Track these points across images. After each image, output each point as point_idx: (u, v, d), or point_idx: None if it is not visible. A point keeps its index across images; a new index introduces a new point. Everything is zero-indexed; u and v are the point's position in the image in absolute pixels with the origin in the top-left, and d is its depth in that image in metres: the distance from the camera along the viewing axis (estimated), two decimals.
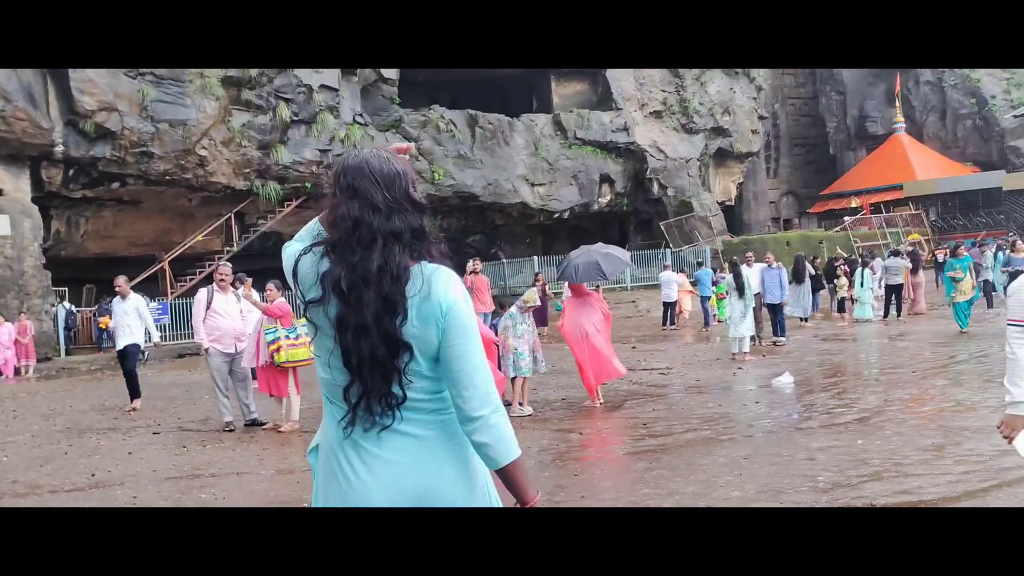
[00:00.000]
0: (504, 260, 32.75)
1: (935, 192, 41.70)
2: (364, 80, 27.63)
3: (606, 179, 34.85)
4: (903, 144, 45.66)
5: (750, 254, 16.31)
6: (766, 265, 16.08)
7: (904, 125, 46.53)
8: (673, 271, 22.23)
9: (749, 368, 13.11)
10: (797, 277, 18.56)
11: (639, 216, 37.38)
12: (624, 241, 36.05)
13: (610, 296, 29.29)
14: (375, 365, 2.04)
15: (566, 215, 33.78)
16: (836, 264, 22.00)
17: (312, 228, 2.30)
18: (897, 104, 46.91)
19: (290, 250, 2.23)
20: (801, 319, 19.65)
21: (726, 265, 23.01)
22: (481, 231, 34.32)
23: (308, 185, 26.10)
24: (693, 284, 22.57)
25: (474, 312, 2.17)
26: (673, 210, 35.74)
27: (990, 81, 46.03)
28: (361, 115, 27.38)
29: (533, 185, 32.47)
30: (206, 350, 9.30)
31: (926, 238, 37.23)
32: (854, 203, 43.56)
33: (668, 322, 21.38)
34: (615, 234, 37.58)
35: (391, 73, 28.38)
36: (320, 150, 26.02)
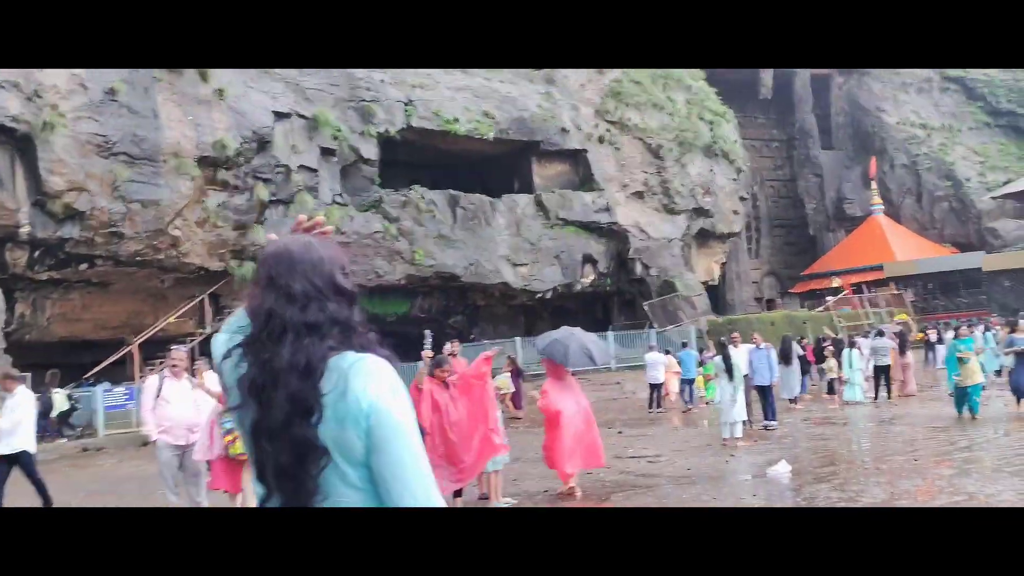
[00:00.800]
0: (484, 340, 32.08)
1: (915, 272, 41.77)
2: (344, 160, 27.38)
3: (589, 259, 34.54)
4: (881, 225, 45.99)
5: (736, 334, 15.80)
6: (754, 346, 15.53)
7: (882, 207, 46.96)
8: (659, 351, 21.61)
9: (742, 455, 12.44)
10: (785, 358, 18.03)
11: (622, 296, 36.99)
12: (608, 321, 35.60)
13: (595, 377, 28.74)
14: (288, 476, 1.77)
15: (549, 295, 33.32)
16: (824, 344, 21.53)
17: (239, 317, 2.02)
18: (873, 186, 47.42)
19: (217, 344, 2.02)
20: (790, 401, 19.08)
21: (710, 345, 22.53)
22: (462, 312, 33.74)
23: None
24: (678, 364, 21.99)
25: (409, 407, 1.79)
26: (656, 290, 35.40)
27: (964, 164, 46.75)
28: (341, 195, 27.05)
29: (515, 265, 32.09)
30: (154, 441, 8.54)
31: (911, 318, 36.97)
32: (835, 283, 43.54)
33: (654, 404, 20.72)
34: (598, 314, 37.15)
35: (371, 153, 28.19)
36: None
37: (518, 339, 29.29)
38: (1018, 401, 14.75)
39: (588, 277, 34.93)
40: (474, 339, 32.68)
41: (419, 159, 32.18)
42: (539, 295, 32.97)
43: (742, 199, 42.39)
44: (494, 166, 35.02)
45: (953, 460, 10.71)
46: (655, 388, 20.82)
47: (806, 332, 30.74)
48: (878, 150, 48.35)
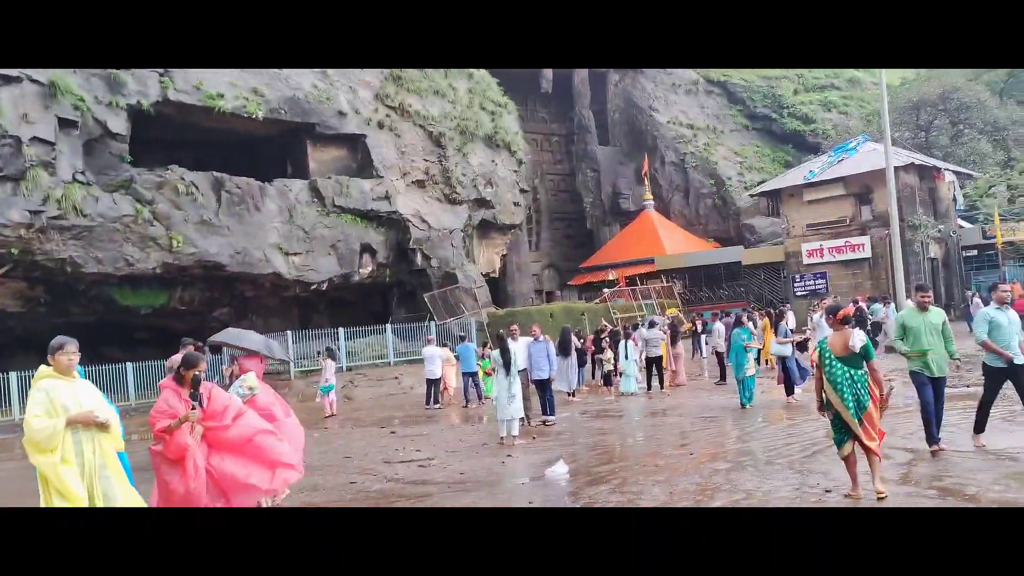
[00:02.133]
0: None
1: (683, 266, 43.69)
2: (88, 134, 24.44)
3: (367, 249, 33.21)
4: (653, 220, 47.82)
5: (515, 327, 15.23)
6: (532, 338, 15.00)
7: (653, 203, 48.85)
8: (436, 345, 20.77)
9: (519, 454, 11.78)
10: (564, 350, 17.75)
11: (403, 288, 35.96)
12: (387, 314, 34.45)
13: (372, 372, 27.58)
14: None
15: (324, 286, 31.67)
16: (602, 336, 21.58)
17: None
18: (646, 183, 49.26)
19: None
20: (568, 393, 18.88)
21: (491, 337, 22.00)
22: (229, 303, 31.37)
23: (14, 251, 22.41)
24: (456, 358, 21.26)
25: None
26: (437, 282, 34.65)
27: (726, 164, 49.51)
28: (83, 173, 24.10)
29: (288, 254, 30.21)
30: None
31: (679, 309, 38.47)
32: (611, 276, 44.76)
33: (432, 400, 19.85)
34: (377, 306, 35.91)
35: (120, 127, 25.38)
36: (31, 211, 22.45)
37: (289, 333, 27.48)
38: (788, 392, 15.13)
39: (367, 268, 33.59)
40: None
41: (179, 137, 29.53)
42: (314, 286, 31.26)
43: (523, 191, 42.57)
44: (265, 148, 32.85)
45: (727, 454, 10.54)
46: (432, 383, 19.96)
47: (584, 324, 31.12)
48: (651, 148, 50.27)
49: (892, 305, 24.51)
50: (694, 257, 44.01)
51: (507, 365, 13.12)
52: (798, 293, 35.36)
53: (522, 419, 13.85)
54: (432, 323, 31.47)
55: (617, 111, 52.57)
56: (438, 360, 19.84)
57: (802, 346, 16.03)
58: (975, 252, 37.39)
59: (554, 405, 15.11)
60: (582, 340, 21.78)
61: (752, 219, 46.60)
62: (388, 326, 30.64)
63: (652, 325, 20.55)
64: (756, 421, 13.25)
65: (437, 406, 19.71)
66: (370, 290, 35.15)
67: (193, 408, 6.67)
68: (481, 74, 40.19)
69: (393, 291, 36.18)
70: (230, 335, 9.34)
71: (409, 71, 35.97)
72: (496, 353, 13.45)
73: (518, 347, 14.23)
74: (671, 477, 9.18)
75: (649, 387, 19.70)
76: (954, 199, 35.50)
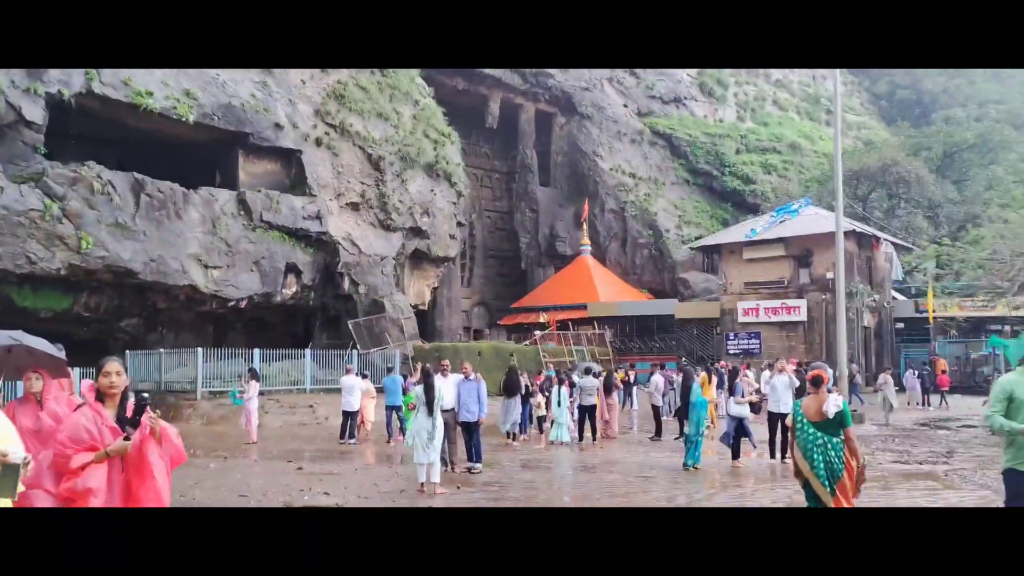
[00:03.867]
0: (162, 349, 27.97)
1: (616, 314, 42.99)
2: None
3: (293, 269, 31.58)
4: (588, 266, 47.22)
5: (445, 362, 13.98)
6: (463, 376, 13.73)
7: (590, 248, 48.30)
8: (357, 375, 19.31)
9: (437, 502, 10.47)
10: (509, 390, 16.55)
11: (327, 313, 34.34)
12: (308, 338, 32.77)
13: (285, 399, 25.87)
14: None
15: (243, 304, 29.89)
16: (536, 379, 20.49)
17: None
18: (584, 228, 48.72)
19: None
20: (511, 435, 17.73)
21: (416, 371, 20.65)
22: (139, 314, 29.31)
23: None
24: (379, 391, 19.85)
25: None
26: (364, 309, 33.16)
27: (665, 216, 49.36)
28: None
29: (207, 267, 28.44)
30: None
31: (607, 358, 37.65)
32: (542, 318, 43.86)
33: (347, 435, 18.34)
34: (298, 330, 34.22)
35: (36, 116, 23.53)
36: None
37: (200, 350, 25.65)
38: (735, 456, 14.16)
39: (291, 288, 31.94)
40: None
41: (101, 133, 27.72)
42: (232, 303, 29.47)
43: (460, 224, 41.49)
44: (193, 154, 31.12)
45: None
46: (349, 416, 18.48)
47: (514, 364, 29.94)
48: (591, 193, 49.81)
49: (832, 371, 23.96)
50: (628, 307, 43.38)
51: (430, 403, 11.82)
52: (731, 351, 34.86)
53: (445, 462, 12.58)
54: (355, 352, 29.94)
55: (561, 153, 52.08)
56: (358, 391, 18.39)
57: (754, 408, 15.10)
58: (903, 324, 37.62)
59: (481, 451, 13.83)
60: (531, 381, 20.69)
61: (687, 273, 46.31)
62: (307, 351, 29.01)
63: (588, 372, 19.51)
64: (703, 485, 12.23)
65: (352, 441, 18.23)
66: (292, 312, 33.45)
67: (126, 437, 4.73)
68: (427, 102, 39.23)
69: (316, 315, 34.53)
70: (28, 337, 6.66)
71: (352, 90, 34.76)
72: (419, 388, 12.16)
73: (447, 385, 12.96)
74: None
75: (581, 437, 18.59)
76: (891, 270, 35.63)
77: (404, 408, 18.90)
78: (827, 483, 6.82)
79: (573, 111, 51.15)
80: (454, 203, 39.85)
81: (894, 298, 37.41)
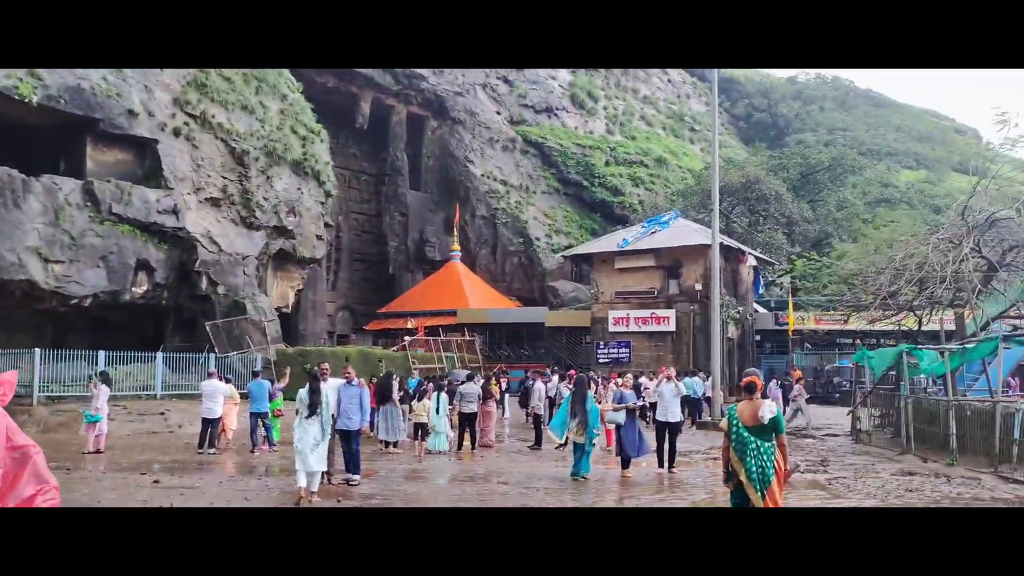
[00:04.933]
0: None
1: (485, 321, 42.48)
2: None
3: (144, 266, 29.39)
4: (458, 272, 46.57)
5: (325, 365, 12.90)
6: (344, 381, 12.69)
7: (460, 254, 47.68)
8: (219, 379, 17.83)
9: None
10: (383, 397, 15.58)
11: (181, 313, 32.19)
12: (160, 340, 30.57)
13: (133, 405, 23.84)
14: None
15: (88, 303, 27.56)
16: (424, 387, 19.56)
17: None
18: (455, 233, 48.07)
19: None
20: (386, 444, 16.76)
21: (285, 376, 19.37)
22: None
23: None
24: (243, 396, 18.44)
25: None
26: (223, 311, 31.26)
27: (535, 224, 49.35)
28: None
29: (47, 261, 26.08)
30: None
31: (476, 365, 37.05)
32: (410, 324, 42.86)
33: (207, 444, 16.85)
34: (149, 332, 31.89)
35: None
36: None
37: (37, 351, 23.32)
38: (624, 465, 13.70)
39: (141, 287, 29.72)
40: None
41: None
42: (75, 301, 27.12)
43: (328, 225, 39.98)
44: (35, 139, 28.58)
45: None
46: (210, 423, 16.99)
47: (380, 370, 28.86)
48: (462, 198, 49.22)
49: (708, 380, 24.19)
50: (497, 313, 42.96)
51: (314, 407, 10.83)
52: (601, 360, 34.92)
53: (324, 474, 11.56)
54: (212, 355, 28.08)
55: (432, 157, 51.26)
56: (220, 397, 16.94)
57: (643, 414, 14.66)
58: (759, 337, 38.78)
59: (359, 462, 12.82)
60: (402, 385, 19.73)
61: (556, 282, 46.39)
62: (159, 354, 26.94)
63: (470, 379, 18.78)
64: (591, 497, 11.69)
65: (213, 451, 16.75)
66: (142, 312, 31.16)
67: None
68: (296, 96, 37.63)
69: (169, 316, 32.32)
70: None
71: (215, 79, 32.83)
72: (304, 392, 11.09)
73: (330, 389, 11.92)
74: None
75: (460, 446, 17.81)
76: (754, 283, 36.63)
77: (270, 415, 17.64)
78: (759, 487, 6.92)
79: (446, 115, 50.46)
80: (322, 203, 38.35)
81: (756, 311, 38.52)
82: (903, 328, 23.24)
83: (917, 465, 15.32)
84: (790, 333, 34.55)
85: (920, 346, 17.97)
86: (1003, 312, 20.72)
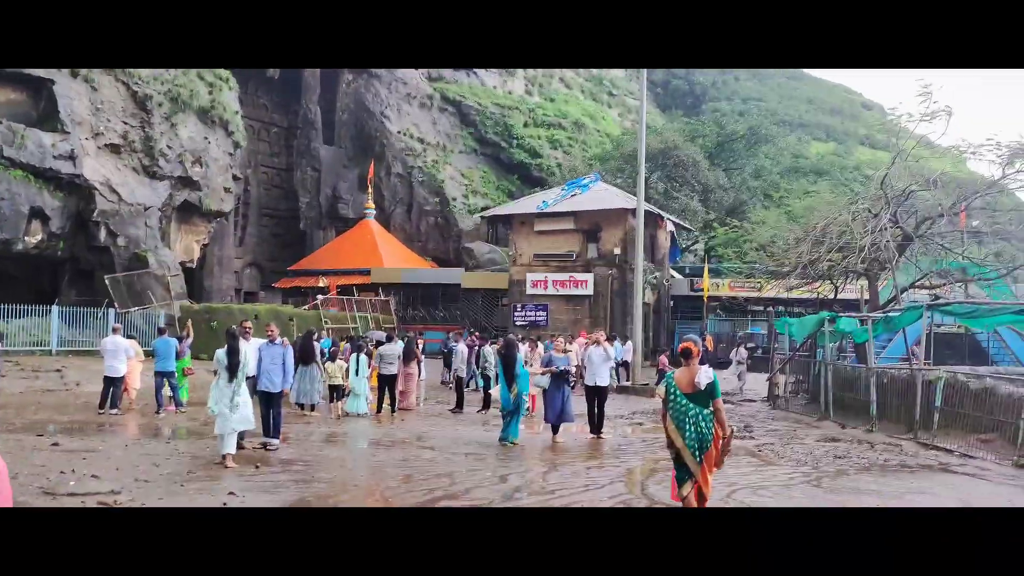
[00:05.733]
0: None
1: (400, 281, 41.67)
2: None
3: (39, 214, 27.66)
4: (372, 230, 45.52)
5: (248, 323, 12.09)
6: (268, 340, 11.92)
7: (374, 212, 46.59)
8: (123, 336, 16.72)
9: (244, 493, 8.78)
10: (305, 357, 14.83)
11: (78, 265, 30.47)
12: (55, 293, 28.86)
13: (27, 361, 22.38)
14: None
15: None
16: (334, 348, 18.82)
17: None
18: (369, 191, 46.89)
19: None
20: (306, 407, 16.04)
21: (189, 331, 18.37)
22: None
23: None
24: (148, 355, 17.39)
25: None
26: (123, 264, 29.72)
27: (452, 184, 48.54)
28: None
29: None
30: None
31: (391, 326, 36.32)
32: (322, 282, 41.74)
33: (109, 404, 15.80)
34: (43, 284, 30.11)
35: None
36: None
37: None
38: (555, 430, 13.37)
39: (35, 236, 28.00)
40: None
41: None
42: None
43: (236, 178, 38.40)
44: None
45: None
46: (112, 382, 15.91)
47: (292, 330, 27.91)
48: (377, 155, 47.98)
49: (628, 344, 24.13)
50: (412, 274, 42.18)
51: (233, 368, 10.13)
52: (518, 323, 34.63)
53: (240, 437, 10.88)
54: (111, 310, 26.65)
55: (346, 112, 49.71)
56: (123, 355, 15.88)
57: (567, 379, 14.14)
58: (672, 302, 39.10)
59: (280, 425, 12.14)
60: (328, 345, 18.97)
61: (473, 243, 45.80)
62: (54, 308, 25.41)
63: (390, 339, 18.16)
64: (531, 463, 11.33)
65: (115, 411, 15.73)
66: (37, 264, 29.39)
67: None
68: None
69: (66, 268, 30.59)
70: None
71: None
72: (222, 352, 10.35)
73: (250, 349, 11.16)
74: None
75: (379, 409, 17.22)
76: (671, 249, 36.80)
77: (178, 375, 16.68)
78: (696, 453, 6.93)
79: (361, 68, 48.91)
80: (230, 154, 36.78)
81: (672, 276, 38.81)
82: (820, 296, 23.59)
83: (837, 431, 15.50)
84: (705, 299, 34.90)
85: (842, 314, 18.17)
86: (915, 282, 21.17)
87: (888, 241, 19.21)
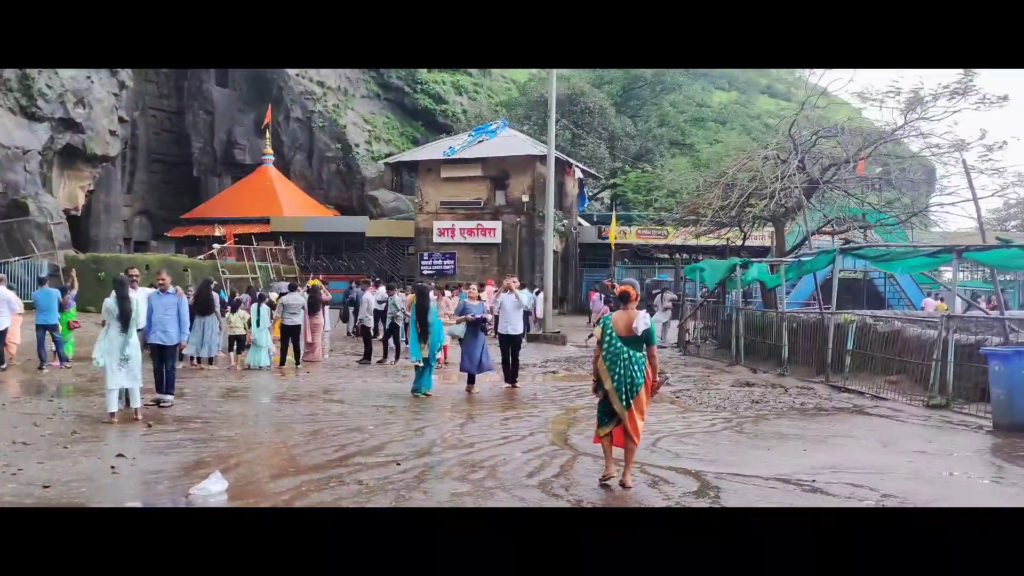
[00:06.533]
0: None
1: (301, 230, 40.39)
2: None
3: None
4: (271, 177, 43.91)
5: (135, 270, 11.15)
6: (158, 289, 11.02)
7: (273, 158, 44.91)
8: (5, 287, 15.41)
9: (136, 454, 8.05)
10: (202, 308, 13.90)
11: None
12: None
13: None
14: None
15: None
16: (236, 297, 17.87)
17: None
18: (267, 136, 45.08)
19: None
20: (198, 360, 15.14)
21: (73, 282, 17.17)
22: None
23: None
24: (28, 307, 16.12)
25: None
26: (1, 211, 27.66)
27: (355, 130, 47.12)
28: None
29: None
30: None
31: (292, 276, 35.17)
32: (218, 231, 40.12)
33: None
34: None
35: None
36: None
37: None
38: (470, 380, 12.92)
39: None
40: None
41: None
42: None
43: (122, 120, 36.26)
44: None
45: (449, 464, 7.93)
46: None
47: (187, 280, 26.62)
48: (275, 99, 46.06)
49: (541, 295, 23.82)
50: (314, 222, 40.92)
51: (125, 319, 9.31)
52: (425, 271, 33.97)
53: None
54: None
55: None
56: (5, 307, 14.63)
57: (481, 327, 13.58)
58: (579, 250, 39.06)
59: (174, 380, 11.31)
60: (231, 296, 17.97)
61: (377, 191, 44.72)
62: None
63: (293, 289, 17.33)
64: (445, 415, 10.88)
65: (2, 366, 14.55)
66: None
67: None
68: None
69: None
70: None
71: None
72: (111, 301, 9.49)
73: (140, 298, 10.27)
74: (389, 495, 6.33)
75: (283, 361, 16.45)
76: (579, 196, 36.58)
77: (62, 328, 15.51)
78: (623, 397, 6.90)
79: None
80: (115, 94, 34.69)
81: (580, 224, 38.68)
82: (729, 243, 23.72)
83: (750, 376, 15.56)
84: (612, 247, 34.92)
85: (753, 260, 18.22)
86: (820, 227, 21.46)
87: (797, 186, 19.35)
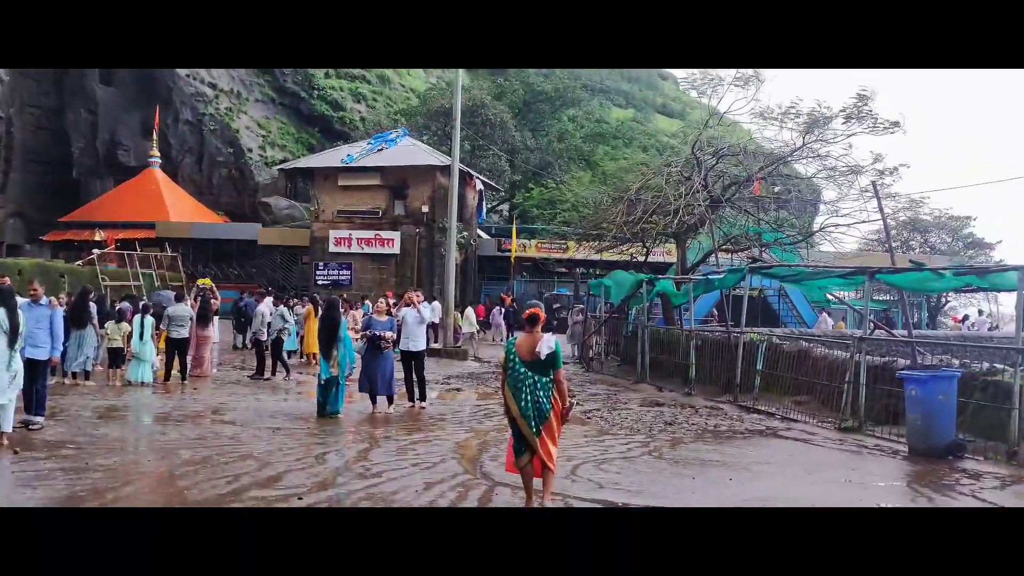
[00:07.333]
0: None
1: (188, 236, 38.66)
2: None
3: None
4: (158, 181, 42.01)
5: (6, 278, 10.08)
6: (28, 300, 9.96)
7: (159, 161, 42.96)
8: None
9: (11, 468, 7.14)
10: (78, 320, 12.78)
11: None
12: None
13: None
14: None
15: None
16: (117, 307, 16.65)
17: None
18: (154, 138, 43.10)
19: None
20: (74, 376, 14.01)
21: None
22: None
23: None
24: None
25: None
26: None
27: (248, 134, 45.64)
28: None
29: None
30: None
31: (179, 284, 33.53)
32: (98, 236, 38.04)
33: None
34: None
35: None
36: None
37: None
38: (373, 400, 12.24)
39: None
40: None
41: None
42: None
43: None
44: None
45: (357, 496, 7.30)
46: None
47: (63, 288, 24.93)
48: (164, 100, 44.09)
49: (437, 304, 23.23)
50: (202, 228, 39.23)
51: (14, 331, 8.48)
52: (320, 282, 32.93)
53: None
54: None
55: None
56: None
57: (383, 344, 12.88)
58: (480, 263, 38.68)
59: (44, 398, 10.28)
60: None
61: (270, 197, 43.28)
62: None
63: (179, 299, 16.28)
64: (347, 439, 10.21)
65: None
66: None
67: None
68: None
69: None
70: None
71: None
72: (1, 312, 8.54)
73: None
74: None
75: (168, 377, 15.39)
76: (478, 208, 36.19)
77: None
78: (533, 423, 6.61)
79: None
80: None
81: (479, 236, 38.28)
82: (632, 259, 23.71)
83: (657, 395, 15.41)
84: (512, 260, 34.64)
85: (659, 277, 18.15)
86: (721, 245, 21.65)
87: (701, 204, 19.44)
